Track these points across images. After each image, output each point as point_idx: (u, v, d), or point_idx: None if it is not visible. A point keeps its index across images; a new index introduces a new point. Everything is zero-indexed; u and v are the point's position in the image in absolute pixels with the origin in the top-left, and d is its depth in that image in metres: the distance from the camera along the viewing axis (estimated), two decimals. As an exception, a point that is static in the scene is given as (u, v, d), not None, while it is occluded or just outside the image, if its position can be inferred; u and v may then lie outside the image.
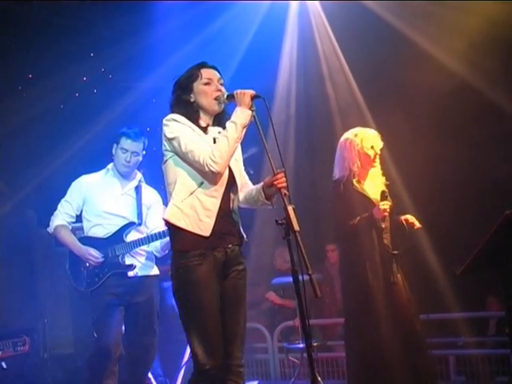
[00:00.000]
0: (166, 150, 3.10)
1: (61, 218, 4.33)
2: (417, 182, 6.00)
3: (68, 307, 6.04)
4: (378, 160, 4.38)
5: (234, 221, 3.13)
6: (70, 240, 4.28)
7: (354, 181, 4.31)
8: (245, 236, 3.20)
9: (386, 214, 4.18)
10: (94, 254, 4.20)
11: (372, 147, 4.33)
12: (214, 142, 3.09)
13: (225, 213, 3.07)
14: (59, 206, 4.37)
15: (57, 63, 5.82)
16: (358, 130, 4.45)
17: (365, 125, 5.92)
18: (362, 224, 4.22)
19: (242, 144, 3.14)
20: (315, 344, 5.45)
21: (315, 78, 6.76)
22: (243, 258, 3.17)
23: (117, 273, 4.21)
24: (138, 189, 4.37)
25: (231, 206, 3.12)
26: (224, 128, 3.06)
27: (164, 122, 3.09)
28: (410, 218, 4.33)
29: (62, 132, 6.05)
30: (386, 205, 4.17)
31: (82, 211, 4.36)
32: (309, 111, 6.91)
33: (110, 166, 4.40)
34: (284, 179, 2.94)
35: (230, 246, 3.08)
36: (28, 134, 5.96)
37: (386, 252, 4.25)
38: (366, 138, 4.36)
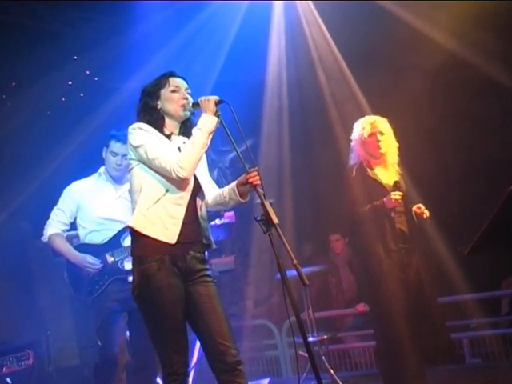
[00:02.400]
0: (132, 159, 3.21)
1: (54, 226, 4.33)
2: (419, 166, 5.98)
3: (70, 317, 6.04)
4: (388, 147, 4.48)
5: (202, 227, 3.22)
6: (66, 248, 4.27)
7: (366, 166, 4.46)
8: (213, 243, 3.29)
9: (398, 204, 4.29)
10: (91, 262, 4.20)
11: (373, 134, 4.42)
12: (180, 151, 3.18)
13: (191, 220, 3.17)
14: (52, 215, 4.37)
15: (40, 69, 5.80)
16: (363, 118, 4.60)
17: (360, 110, 5.94)
18: (373, 212, 4.34)
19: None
20: (325, 337, 5.47)
21: (306, 65, 6.74)
22: (206, 264, 3.25)
23: (117, 278, 4.21)
24: (132, 191, 4.36)
25: (198, 212, 3.22)
26: (189, 137, 3.17)
27: (129, 130, 3.20)
28: (420, 206, 4.41)
29: (50, 138, 6.04)
30: (397, 195, 4.27)
31: (76, 218, 4.35)
32: (302, 100, 6.90)
33: (102, 169, 4.40)
34: (258, 177, 3.05)
35: (192, 252, 3.16)
36: (16, 144, 5.95)
37: (399, 236, 4.36)
38: (366, 126, 4.51)
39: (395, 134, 4.57)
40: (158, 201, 3.10)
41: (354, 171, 4.44)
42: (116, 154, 4.27)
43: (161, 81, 3.27)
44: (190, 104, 3.22)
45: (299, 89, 6.87)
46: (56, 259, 4.66)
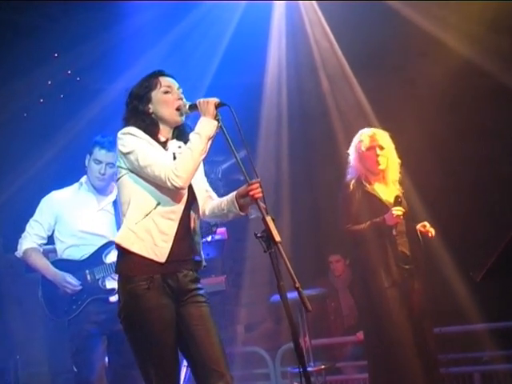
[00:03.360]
0: (120, 167, 3.18)
1: (30, 240, 4.32)
2: (426, 180, 6.02)
3: (43, 340, 6.01)
4: (388, 163, 4.53)
5: (194, 242, 3.23)
6: (43, 264, 4.28)
7: (364, 181, 4.51)
8: (204, 261, 3.29)
9: (399, 220, 4.32)
10: (71, 282, 4.20)
11: (372, 147, 4.48)
12: (174, 157, 3.17)
13: (183, 236, 3.16)
14: (28, 227, 4.36)
15: (16, 66, 5.82)
16: (363, 130, 4.66)
17: (364, 119, 5.97)
18: (372, 229, 4.38)
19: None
20: (323, 366, 5.48)
21: (308, 69, 6.78)
22: (199, 283, 3.24)
23: (97, 298, 4.22)
24: (116, 203, 4.37)
25: (192, 226, 3.22)
26: (185, 142, 3.16)
27: (118, 135, 3.17)
28: (426, 225, 4.46)
29: (26, 143, 6.03)
30: (399, 211, 4.30)
31: (53, 231, 4.35)
32: (303, 106, 6.92)
33: (84, 179, 4.41)
34: (260, 189, 3.04)
35: (184, 271, 3.16)
36: (-12, 149, 5.95)
37: (401, 259, 4.39)
38: (364, 139, 4.57)
39: (398, 148, 4.61)
40: (147, 215, 3.09)
41: (351, 186, 4.50)
42: (100, 162, 4.28)
43: (150, 81, 3.23)
44: (187, 106, 3.19)
45: (300, 94, 6.89)
46: (29, 275, 4.65)
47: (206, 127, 3.06)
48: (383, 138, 4.55)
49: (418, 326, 4.38)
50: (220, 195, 3.40)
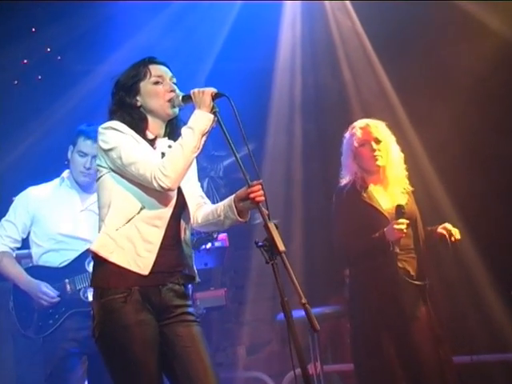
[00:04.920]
0: (100, 166, 3.21)
1: (1, 242, 4.34)
2: (459, 182, 6.01)
3: (12, 360, 6.01)
4: (388, 158, 4.45)
5: (185, 255, 3.25)
6: (16, 272, 4.30)
7: (359, 187, 4.43)
8: (197, 276, 3.31)
9: (403, 235, 4.23)
10: (47, 292, 4.22)
11: (366, 141, 4.43)
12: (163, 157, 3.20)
13: (171, 245, 3.18)
14: (-1, 228, 4.39)
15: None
16: (356, 122, 4.60)
17: (391, 112, 5.96)
18: (371, 247, 4.32)
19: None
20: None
21: (326, 54, 6.77)
22: (188, 300, 3.27)
23: (77, 312, 4.24)
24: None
25: (182, 236, 3.25)
26: (176, 140, 3.18)
27: (99, 130, 3.22)
28: (447, 227, 4.39)
29: (-1, 132, 6.05)
30: (402, 224, 4.20)
31: (29, 233, 4.37)
32: (319, 97, 6.92)
33: (66, 173, 4.44)
34: (262, 191, 3.07)
35: (169, 284, 3.18)
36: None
37: (403, 279, 4.30)
38: (356, 132, 4.48)
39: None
40: (130, 220, 3.11)
41: (345, 194, 4.44)
42: (85, 155, 4.31)
43: (139, 70, 3.27)
44: (180, 97, 3.22)
45: (316, 82, 6.90)
46: (-2, 284, 4.67)
47: (200, 121, 3.08)
48: (379, 129, 4.47)
49: (423, 357, 4.25)
50: (221, 195, 3.41)
